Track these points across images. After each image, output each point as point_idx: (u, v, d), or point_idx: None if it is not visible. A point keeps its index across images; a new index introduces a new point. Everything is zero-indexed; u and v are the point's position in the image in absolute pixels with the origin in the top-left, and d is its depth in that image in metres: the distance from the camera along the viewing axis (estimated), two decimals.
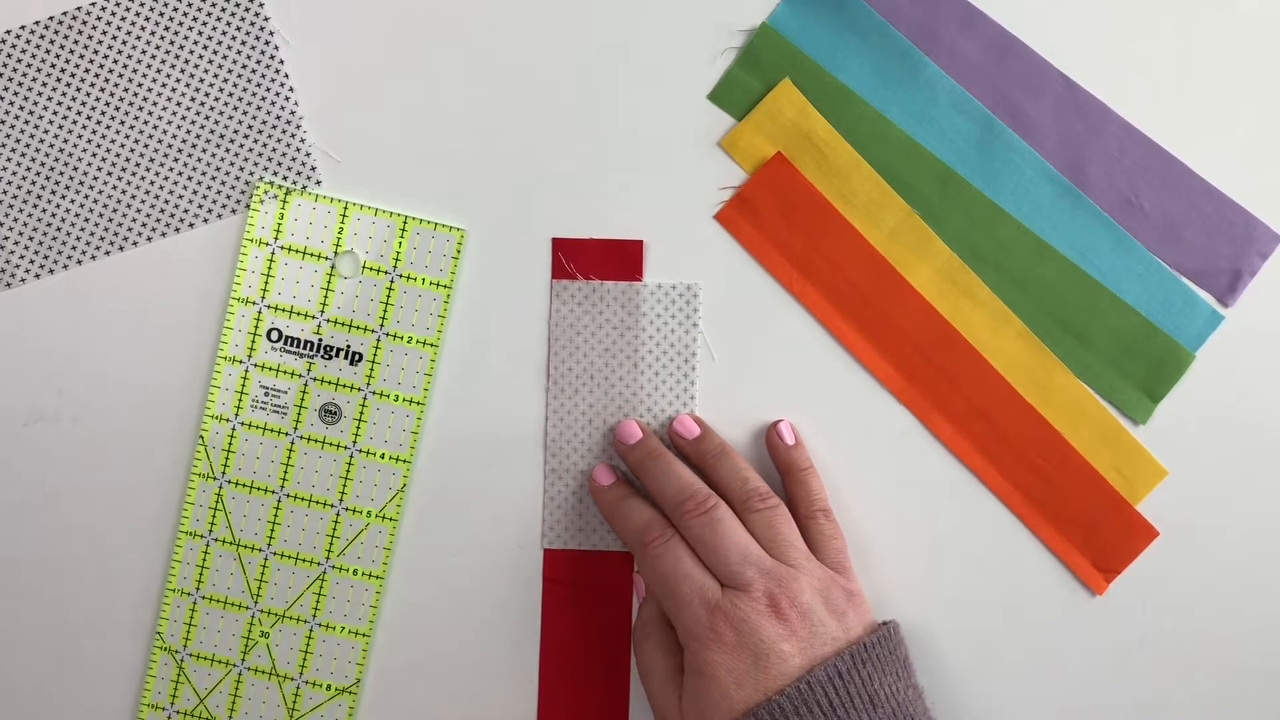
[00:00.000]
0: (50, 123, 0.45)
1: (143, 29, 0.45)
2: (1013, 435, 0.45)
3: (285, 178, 0.45)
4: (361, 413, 0.45)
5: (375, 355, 0.45)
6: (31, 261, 0.45)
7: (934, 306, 0.45)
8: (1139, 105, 0.45)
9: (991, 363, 0.45)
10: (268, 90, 0.45)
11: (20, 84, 0.44)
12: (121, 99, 0.45)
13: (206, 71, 0.45)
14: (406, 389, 0.45)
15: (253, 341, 0.45)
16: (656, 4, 0.45)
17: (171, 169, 0.45)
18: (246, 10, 0.45)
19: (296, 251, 0.45)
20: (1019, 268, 0.45)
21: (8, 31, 0.44)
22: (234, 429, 0.45)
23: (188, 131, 0.45)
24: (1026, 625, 0.45)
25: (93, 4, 0.44)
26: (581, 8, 0.45)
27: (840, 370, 0.45)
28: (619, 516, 0.43)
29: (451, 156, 0.45)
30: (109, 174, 0.45)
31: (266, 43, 0.45)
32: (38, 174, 0.45)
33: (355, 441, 0.45)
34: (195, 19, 0.45)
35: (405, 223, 0.45)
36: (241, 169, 0.45)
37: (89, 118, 0.45)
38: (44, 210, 0.45)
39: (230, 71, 0.45)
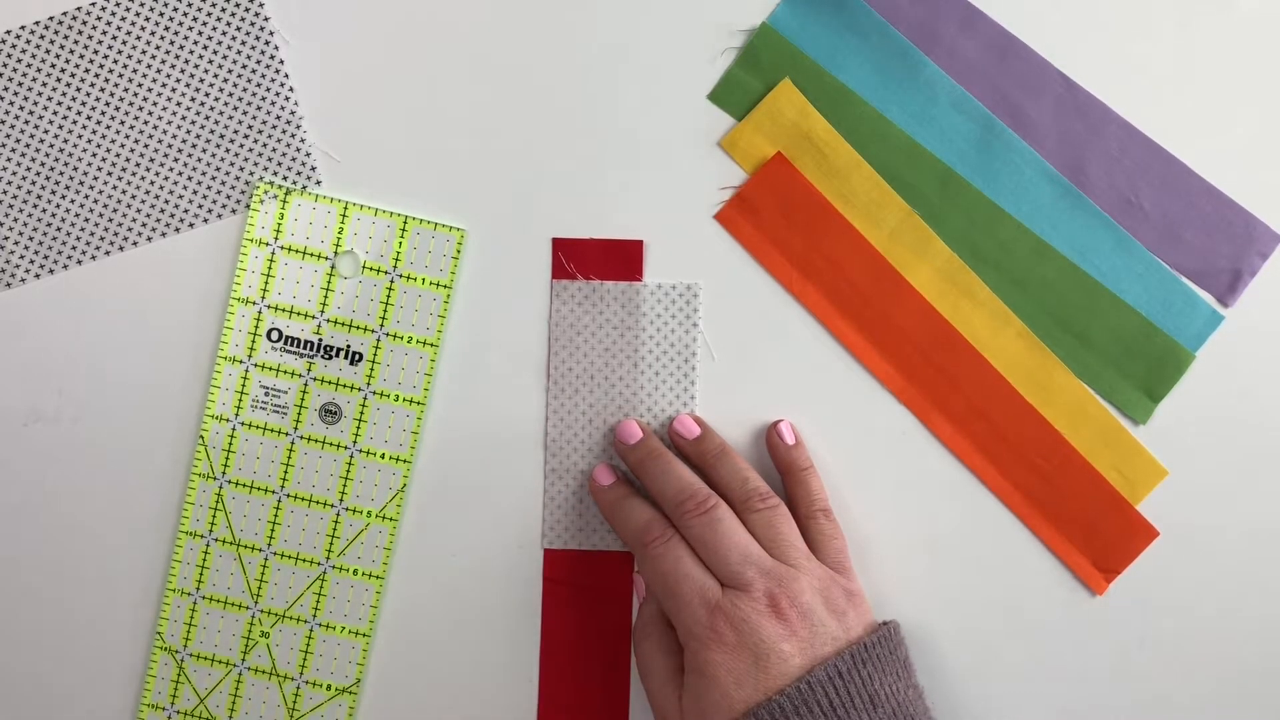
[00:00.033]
0: (50, 123, 0.45)
1: (143, 29, 0.45)
2: (1013, 435, 0.45)
3: (285, 178, 0.45)
4: (362, 413, 0.45)
5: (375, 355, 0.45)
6: (31, 261, 0.45)
7: (934, 306, 0.45)
8: (1139, 105, 0.45)
9: (991, 363, 0.45)
10: (268, 90, 0.45)
11: (20, 84, 0.44)
12: (121, 99, 0.45)
13: (206, 71, 0.45)
14: (406, 389, 0.45)
15: (253, 341, 0.45)
16: (656, 4, 0.45)
17: (171, 169, 0.45)
18: (246, 10, 0.45)
19: (296, 251, 0.45)
20: (1019, 268, 0.45)
21: (8, 31, 0.44)
22: (234, 429, 0.45)
23: (188, 131, 0.45)
24: (1026, 625, 0.45)
25: (93, 4, 0.44)
26: (581, 8, 0.45)
27: (840, 370, 0.45)
28: (619, 516, 0.43)
29: (451, 156, 0.45)
30: (109, 174, 0.45)
31: (266, 43, 0.45)
32: (38, 174, 0.45)
33: (355, 441, 0.45)
34: (195, 19, 0.45)
35: (405, 223, 0.45)
36: (241, 169, 0.45)
37: (89, 118, 0.45)
38: (44, 210, 0.45)
39: (230, 71, 0.45)
